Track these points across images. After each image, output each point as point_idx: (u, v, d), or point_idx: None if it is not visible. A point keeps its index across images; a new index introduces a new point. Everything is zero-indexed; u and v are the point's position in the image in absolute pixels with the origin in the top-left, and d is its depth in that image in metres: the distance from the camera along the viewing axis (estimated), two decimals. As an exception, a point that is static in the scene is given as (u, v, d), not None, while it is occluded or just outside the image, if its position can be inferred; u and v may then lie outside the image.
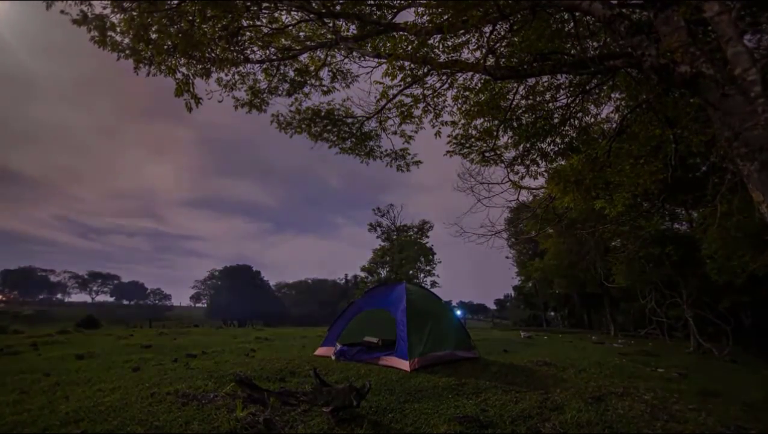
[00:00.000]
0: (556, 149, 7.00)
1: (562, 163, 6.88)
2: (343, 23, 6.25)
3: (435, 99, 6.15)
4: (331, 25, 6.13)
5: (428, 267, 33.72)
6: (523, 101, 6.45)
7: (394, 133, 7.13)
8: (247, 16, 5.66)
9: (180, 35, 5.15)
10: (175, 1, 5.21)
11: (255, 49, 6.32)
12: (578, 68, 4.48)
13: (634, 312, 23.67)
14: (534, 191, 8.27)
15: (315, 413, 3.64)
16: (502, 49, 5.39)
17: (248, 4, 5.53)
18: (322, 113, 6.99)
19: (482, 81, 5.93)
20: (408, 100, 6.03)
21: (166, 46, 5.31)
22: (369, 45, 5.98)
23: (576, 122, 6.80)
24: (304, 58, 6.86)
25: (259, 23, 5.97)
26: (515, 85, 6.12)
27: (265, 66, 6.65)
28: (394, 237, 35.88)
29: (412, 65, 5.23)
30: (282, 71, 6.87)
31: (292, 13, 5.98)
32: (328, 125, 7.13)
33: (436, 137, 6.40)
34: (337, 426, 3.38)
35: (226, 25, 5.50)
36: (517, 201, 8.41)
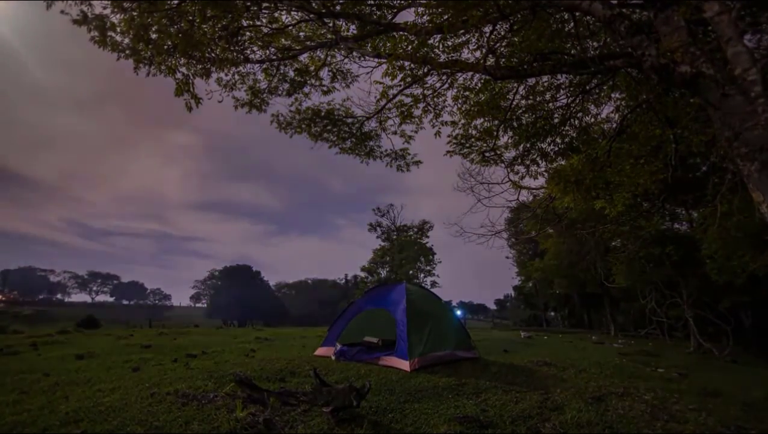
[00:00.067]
0: (556, 149, 7.00)
1: (562, 163, 6.88)
2: (343, 23, 6.25)
3: (435, 99, 6.15)
4: (331, 25, 6.13)
5: (428, 267, 33.74)
6: (523, 101, 6.45)
7: (394, 133, 7.13)
8: (247, 16, 5.66)
9: (180, 35, 5.15)
10: (175, 1, 5.21)
11: (255, 49, 6.32)
12: (578, 68, 4.48)
13: (635, 312, 23.67)
14: (534, 191, 8.27)
15: (315, 413, 3.64)
16: (502, 49, 5.38)
17: (248, 4, 5.53)
18: (322, 113, 6.99)
19: (482, 81, 5.93)
20: (408, 100, 6.03)
21: (166, 46, 5.31)
22: (369, 45, 5.98)
23: (576, 121, 6.80)
24: (304, 58, 6.86)
25: (259, 23, 5.97)
26: (515, 85, 6.11)
27: (265, 66, 6.65)
28: (394, 237, 35.89)
29: (412, 65, 5.23)
30: (282, 71, 6.87)
31: (292, 13, 5.98)
32: (328, 125, 7.12)
33: (436, 136, 6.40)
34: (337, 426, 3.38)
35: (226, 25, 5.50)
36: (517, 201, 8.42)
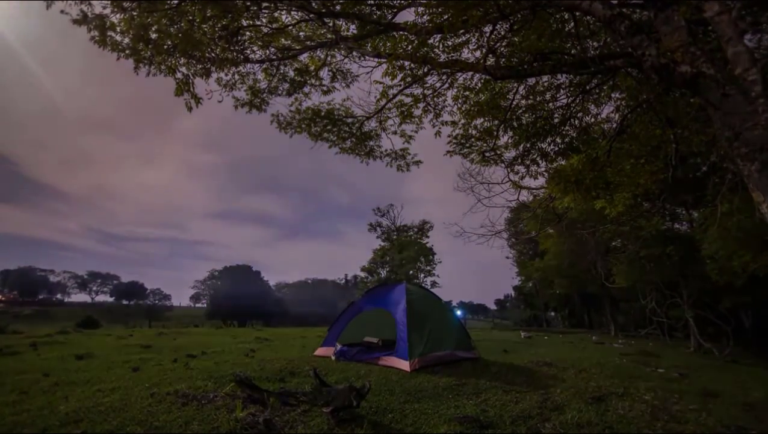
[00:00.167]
0: (557, 148, 6.99)
1: (563, 163, 6.87)
2: (343, 23, 6.25)
3: (435, 99, 6.15)
4: (331, 24, 6.13)
5: (428, 267, 33.71)
6: (523, 101, 6.44)
7: (394, 133, 7.12)
8: (246, 16, 5.66)
9: (180, 35, 5.15)
10: (175, 1, 5.21)
11: (255, 49, 6.32)
12: (578, 68, 4.48)
13: (635, 312, 23.66)
14: (534, 191, 8.27)
15: (315, 413, 3.64)
16: (502, 49, 5.38)
17: (248, 4, 5.53)
18: (322, 113, 6.98)
19: (482, 81, 5.93)
20: (408, 99, 6.03)
21: (166, 46, 5.31)
22: (369, 45, 5.98)
23: (576, 121, 6.79)
24: (304, 58, 6.86)
25: (259, 23, 5.97)
26: (515, 85, 6.11)
27: (265, 66, 6.65)
28: (394, 237, 35.88)
29: (412, 65, 5.22)
30: (282, 71, 6.87)
31: (292, 12, 5.98)
32: (328, 125, 7.12)
33: (436, 136, 6.40)
34: (337, 427, 3.37)
35: (226, 25, 5.50)
36: (518, 201, 8.42)
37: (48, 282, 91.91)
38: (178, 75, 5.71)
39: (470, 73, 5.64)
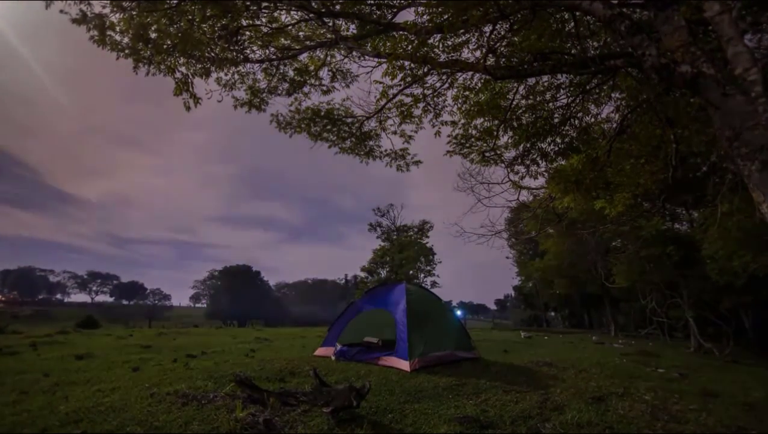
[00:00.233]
0: (557, 148, 6.99)
1: (563, 163, 6.87)
2: (343, 23, 6.24)
3: (435, 99, 6.14)
4: (330, 24, 6.13)
5: (428, 267, 33.70)
6: (524, 101, 6.44)
7: (394, 133, 7.12)
8: (246, 16, 5.66)
9: (179, 35, 5.14)
10: (175, 1, 5.21)
11: (255, 48, 6.31)
12: (578, 68, 4.47)
13: (635, 313, 23.66)
14: (534, 191, 8.26)
15: (315, 413, 3.64)
16: (502, 48, 5.37)
17: (248, 3, 5.53)
18: (322, 113, 6.98)
19: (482, 81, 5.92)
20: (408, 99, 6.02)
21: (165, 46, 5.31)
22: (369, 45, 5.97)
23: (576, 121, 6.79)
24: (303, 57, 6.85)
25: (258, 23, 5.96)
26: (515, 85, 6.11)
27: (264, 66, 6.65)
28: (394, 237, 35.87)
29: (412, 65, 5.22)
30: (282, 71, 6.86)
31: (292, 12, 5.98)
32: (328, 125, 7.11)
33: (436, 136, 6.40)
34: (337, 427, 3.37)
35: (226, 24, 5.50)
36: (518, 201, 8.42)
37: (48, 282, 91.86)
38: (178, 75, 5.71)
39: (470, 73, 5.63)
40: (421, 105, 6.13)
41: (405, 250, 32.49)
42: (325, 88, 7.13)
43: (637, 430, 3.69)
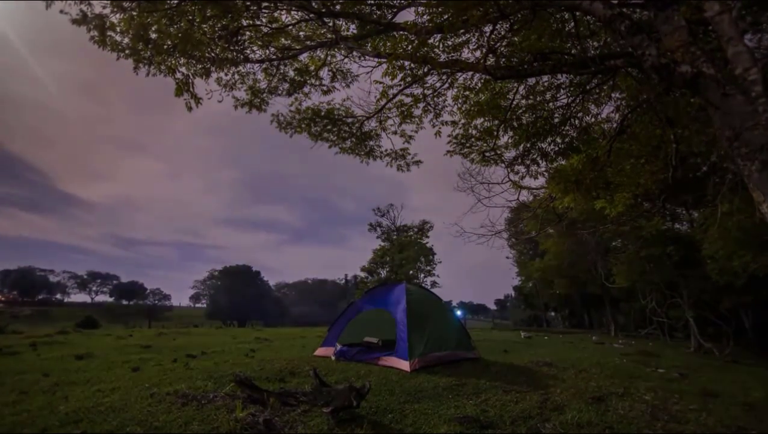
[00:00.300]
0: (557, 148, 6.99)
1: (563, 163, 6.87)
2: (343, 23, 6.24)
3: (435, 99, 6.15)
4: (331, 24, 6.13)
5: (428, 267, 33.70)
6: (524, 101, 6.44)
7: (394, 133, 7.12)
8: (246, 16, 5.66)
9: (180, 35, 5.14)
10: (175, 1, 5.21)
11: (255, 48, 6.31)
12: (579, 68, 4.47)
13: (635, 313, 23.66)
14: (534, 190, 8.26)
15: (315, 413, 3.64)
16: (502, 48, 5.37)
17: (248, 3, 5.53)
18: (322, 113, 6.98)
19: (482, 81, 5.92)
20: (408, 99, 6.02)
21: (165, 46, 5.31)
22: (369, 45, 5.98)
23: (576, 121, 6.79)
24: (304, 57, 6.85)
25: (258, 23, 5.96)
26: (515, 84, 6.11)
27: (264, 66, 6.65)
28: (394, 237, 35.87)
29: (412, 65, 5.22)
30: (282, 71, 6.86)
31: (292, 12, 5.98)
32: (328, 125, 7.11)
33: (436, 136, 6.40)
34: (336, 427, 3.37)
35: (226, 24, 5.50)
36: (518, 201, 8.41)
37: (48, 282, 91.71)
38: (178, 75, 5.71)
39: (470, 73, 5.63)
40: (421, 105, 6.13)
41: (405, 250, 32.50)
42: (325, 88, 7.13)
43: (637, 430, 3.69)
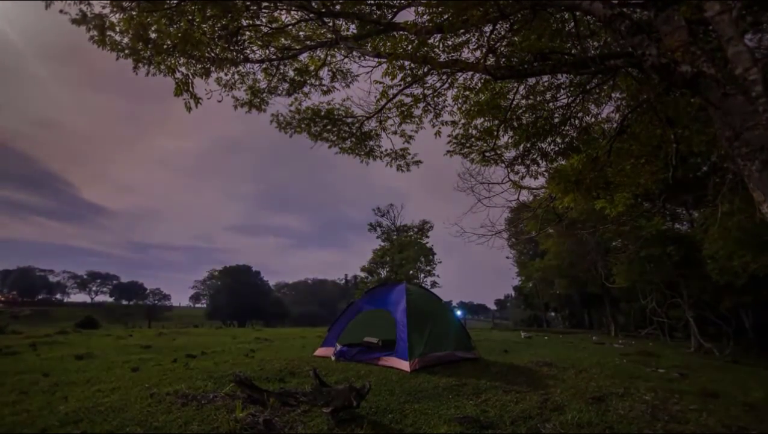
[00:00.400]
0: (557, 148, 6.98)
1: (563, 163, 6.87)
2: (343, 23, 6.24)
3: (435, 99, 6.14)
4: (330, 24, 6.12)
5: (428, 267, 33.70)
6: (524, 101, 6.44)
7: (394, 133, 7.11)
8: (246, 16, 5.65)
9: (179, 35, 5.14)
10: (175, 1, 5.20)
11: (255, 48, 6.30)
12: (579, 68, 4.47)
13: (635, 313, 23.67)
14: (534, 190, 8.25)
15: (315, 413, 3.63)
16: (502, 48, 5.37)
17: (248, 3, 5.52)
18: (322, 113, 6.97)
19: (482, 81, 5.92)
20: (408, 99, 6.02)
21: (165, 46, 5.30)
22: (369, 44, 5.97)
23: (576, 121, 6.79)
24: (303, 57, 6.84)
25: (258, 23, 5.96)
26: (515, 84, 6.10)
27: (264, 66, 6.64)
28: (394, 237, 35.87)
29: (412, 65, 5.21)
30: (282, 71, 6.85)
31: (292, 12, 5.97)
32: (328, 125, 7.11)
33: (436, 136, 6.39)
34: (336, 427, 3.37)
35: (226, 24, 5.49)
36: (518, 201, 8.40)
37: (47, 282, 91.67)
38: (178, 75, 5.70)
39: (470, 73, 5.63)
40: (421, 105, 6.13)
41: (405, 250, 32.50)
42: (325, 88, 7.12)
43: (637, 430, 3.68)
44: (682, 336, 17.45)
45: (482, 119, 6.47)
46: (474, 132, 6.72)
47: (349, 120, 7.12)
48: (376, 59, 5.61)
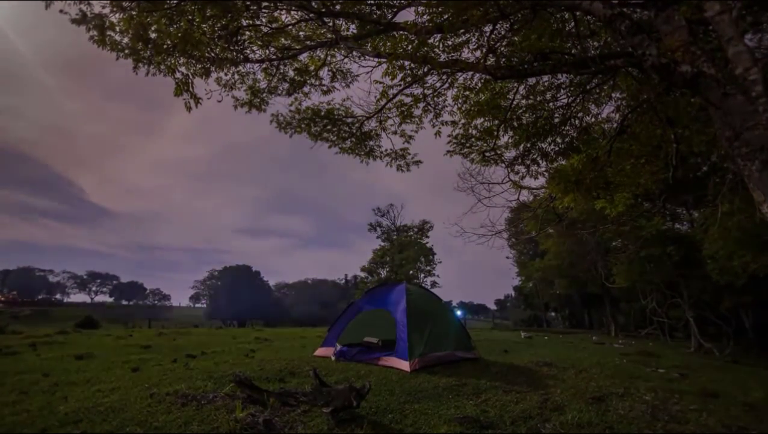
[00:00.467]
0: (557, 148, 6.98)
1: (563, 163, 6.87)
2: (343, 23, 6.24)
3: (435, 99, 6.14)
4: (330, 24, 6.12)
5: (428, 267, 33.71)
6: (524, 101, 6.43)
7: (394, 133, 7.11)
8: (246, 16, 5.66)
9: (179, 35, 5.14)
10: (175, 1, 5.20)
11: (255, 48, 6.30)
12: (579, 68, 4.47)
13: (635, 313, 23.68)
14: (534, 190, 8.24)
15: (315, 414, 3.63)
16: (502, 48, 5.37)
17: (248, 3, 5.52)
18: (322, 113, 6.97)
19: (482, 81, 5.92)
20: (408, 99, 6.01)
21: (165, 46, 5.30)
22: (369, 44, 5.97)
23: (576, 121, 6.79)
24: (303, 57, 6.84)
25: (258, 23, 5.96)
26: (516, 84, 6.10)
27: (264, 66, 6.64)
28: (394, 237, 35.88)
29: (412, 65, 5.21)
30: (282, 71, 6.85)
31: (292, 12, 5.97)
32: (328, 125, 7.11)
33: (436, 136, 6.39)
34: (336, 427, 3.37)
35: (226, 24, 5.49)
36: (518, 201, 8.39)
37: (47, 282, 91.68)
38: (178, 75, 5.70)
39: (470, 73, 5.63)
40: (421, 105, 6.12)
41: (405, 250, 32.51)
42: (325, 88, 7.12)
43: (637, 430, 3.68)
44: (682, 336, 17.45)
45: (482, 119, 6.47)
46: (474, 132, 6.72)
47: (349, 120, 7.12)
48: (376, 59, 5.61)
